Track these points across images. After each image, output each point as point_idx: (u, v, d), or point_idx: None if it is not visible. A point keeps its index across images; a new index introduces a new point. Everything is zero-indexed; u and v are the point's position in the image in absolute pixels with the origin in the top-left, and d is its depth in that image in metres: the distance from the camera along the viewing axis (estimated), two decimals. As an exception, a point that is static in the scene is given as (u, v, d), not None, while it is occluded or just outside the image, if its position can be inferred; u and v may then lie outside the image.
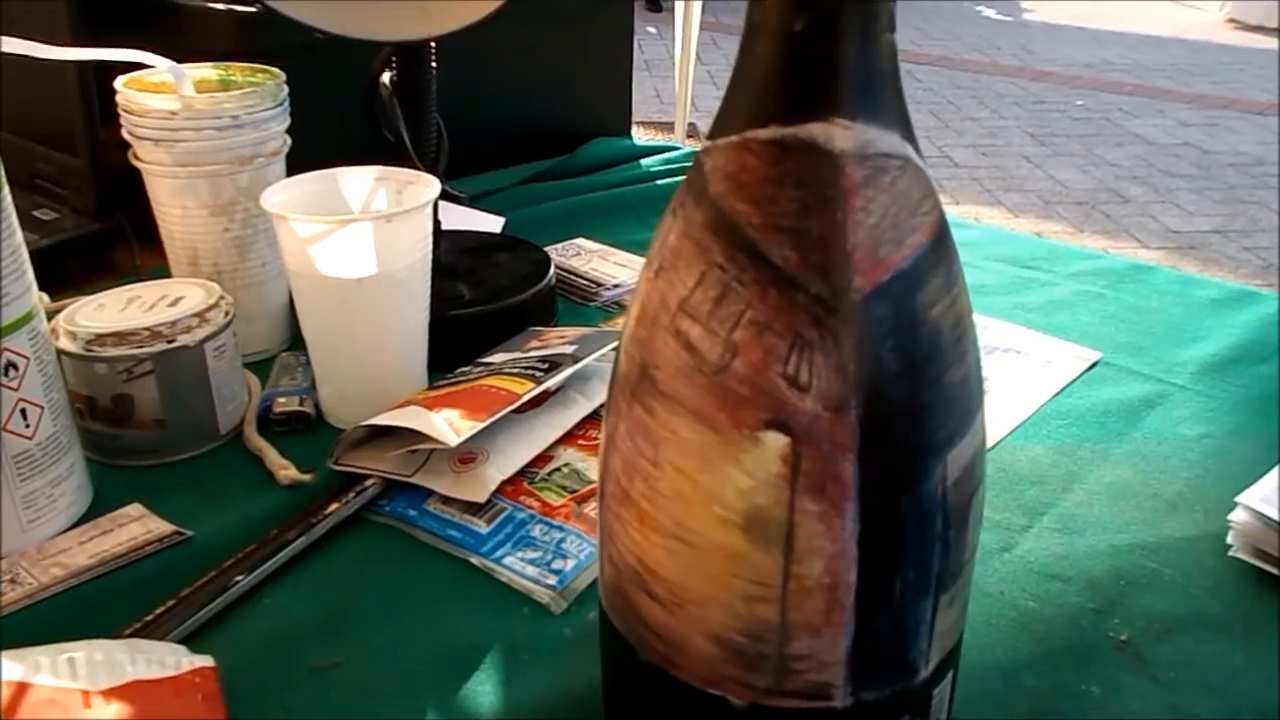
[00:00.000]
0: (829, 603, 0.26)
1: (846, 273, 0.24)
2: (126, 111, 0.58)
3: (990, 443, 0.56)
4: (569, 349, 0.56)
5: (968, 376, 0.27)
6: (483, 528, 0.48)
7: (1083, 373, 0.63)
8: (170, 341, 0.51)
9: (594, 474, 0.51)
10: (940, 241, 0.26)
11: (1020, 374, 0.63)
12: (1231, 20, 6.01)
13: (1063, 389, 0.61)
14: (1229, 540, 0.47)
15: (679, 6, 2.44)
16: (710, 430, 0.26)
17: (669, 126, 2.88)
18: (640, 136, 1.08)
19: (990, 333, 0.68)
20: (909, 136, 0.25)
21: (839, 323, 0.24)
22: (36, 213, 0.74)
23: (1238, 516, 0.47)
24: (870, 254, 0.24)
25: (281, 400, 0.56)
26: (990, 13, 6.41)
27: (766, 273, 0.25)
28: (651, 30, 4.95)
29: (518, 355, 0.57)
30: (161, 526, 0.47)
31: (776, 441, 0.25)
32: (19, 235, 0.45)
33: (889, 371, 0.25)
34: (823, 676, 0.27)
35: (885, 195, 0.25)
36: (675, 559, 0.27)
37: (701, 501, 0.26)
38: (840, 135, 0.24)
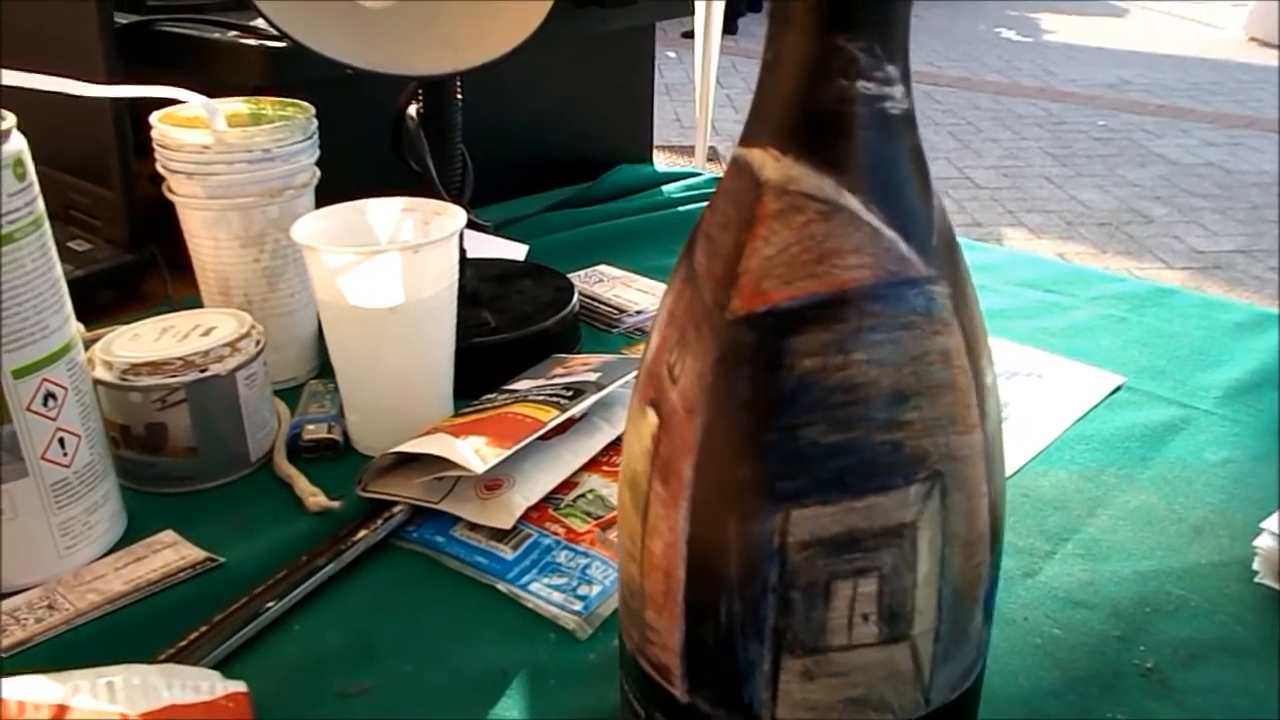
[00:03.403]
0: (666, 586, 0.28)
1: (728, 291, 0.26)
2: (161, 146, 0.59)
3: (1013, 468, 0.56)
4: (593, 376, 0.57)
5: (851, 450, 0.25)
6: (509, 554, 0.48)
7: (1106, 397, 0.63)
8: (203, 371, 0.52)
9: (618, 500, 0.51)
10: (855, 304, 0.25)
11: (1043, 399, 0.63)
12: (1254, 39, 5.99)
13: (1086, 414, 0.61)
14: (1254, 566, 0.47)
15: (699, 31, 2.46)
16: (635, 395, 0.29)
17: (689, 150, 2.90)
18: (660, 161, 1.09)
19: (1012, 357, 0.68)
20: (862, 188, 0.25)
21: (710, 333, 0.26)
22: (71, 244, 0.76)
23: (1263, 542, 0.47)
24: (754, 282, 0.25)
25: (310, 428, 0.57)
26: (1010, 34, 6.41)
27: (688, 270, 0.27)
28: (671, 55, 4.99)
29: (542, 382, 0.58)
30: (194, 553, 0.48)
31: (652, 419, 0.28)
32: (59, 268, 0.46)
33: (738, 397, 0.26)
34: (665, 658, 0.29)
35: (791, 233, 0.25)
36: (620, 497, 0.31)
37: (624, 453, 0.30)
38: (770, 165, 0.25)
